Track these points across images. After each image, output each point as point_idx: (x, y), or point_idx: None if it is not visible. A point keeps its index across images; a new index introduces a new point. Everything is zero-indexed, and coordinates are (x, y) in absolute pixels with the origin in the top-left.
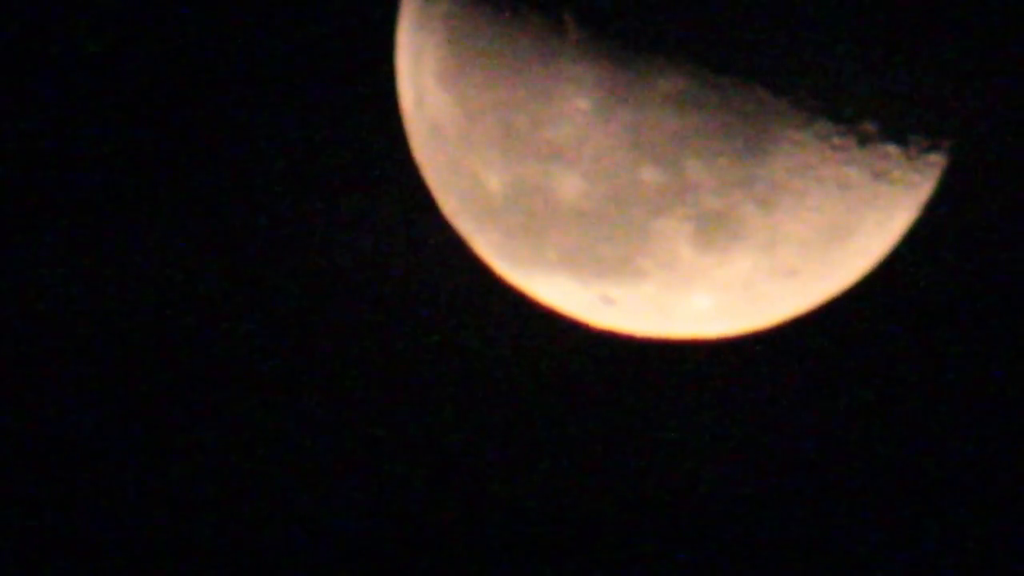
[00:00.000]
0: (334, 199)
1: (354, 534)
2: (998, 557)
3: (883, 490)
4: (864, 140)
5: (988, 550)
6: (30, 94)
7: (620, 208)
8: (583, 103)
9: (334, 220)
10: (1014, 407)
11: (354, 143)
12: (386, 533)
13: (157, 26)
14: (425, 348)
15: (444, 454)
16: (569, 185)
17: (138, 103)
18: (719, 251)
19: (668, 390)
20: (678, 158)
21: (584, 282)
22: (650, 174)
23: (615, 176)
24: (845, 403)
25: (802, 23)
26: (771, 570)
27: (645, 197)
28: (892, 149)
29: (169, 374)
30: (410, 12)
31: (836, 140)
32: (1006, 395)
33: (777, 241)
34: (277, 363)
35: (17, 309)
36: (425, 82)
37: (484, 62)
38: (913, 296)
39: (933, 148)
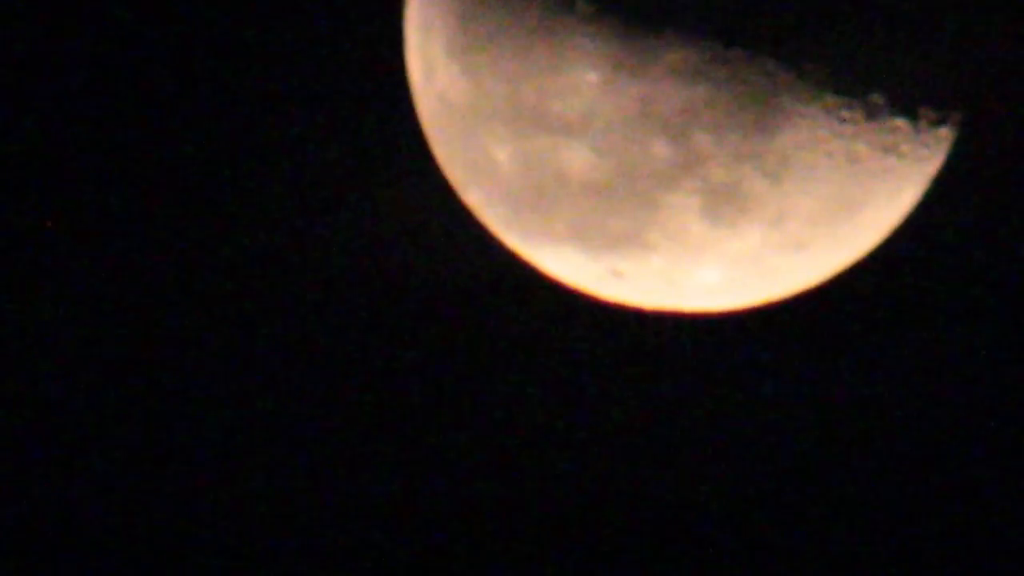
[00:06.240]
0: (342, 173)
1: (360, 510)
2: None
3: (889, 463)
4: (873, 113)
5: (991, 522)
6: (58, 95)
7: (629, 181)
8: (592, 76)
9: (342, 194)
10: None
11: (362, 116)
12: (393, 504)
13: (159, 15)
14: (433, 321)
15: (451, 426)
16: (578, 158)
17: (146, 74)
18: (728, 225)
19: (676, 363)
20: (687, 131)
21: (593, 255)
22: (659, 147)
23: (624, 149)
24: (853, 377)
25: None
26: (774, 544)
27: (654, 170)
28: (901, 123)
29: (180, 361)
30: None
31: (844, 113)
32: (1011, 367)
33: (786, 215)
34: (286, 337)
35: (17, 309)
36: (434, 55)
37: (493, 35)
38: (921, 270)
39: (942, 122)
